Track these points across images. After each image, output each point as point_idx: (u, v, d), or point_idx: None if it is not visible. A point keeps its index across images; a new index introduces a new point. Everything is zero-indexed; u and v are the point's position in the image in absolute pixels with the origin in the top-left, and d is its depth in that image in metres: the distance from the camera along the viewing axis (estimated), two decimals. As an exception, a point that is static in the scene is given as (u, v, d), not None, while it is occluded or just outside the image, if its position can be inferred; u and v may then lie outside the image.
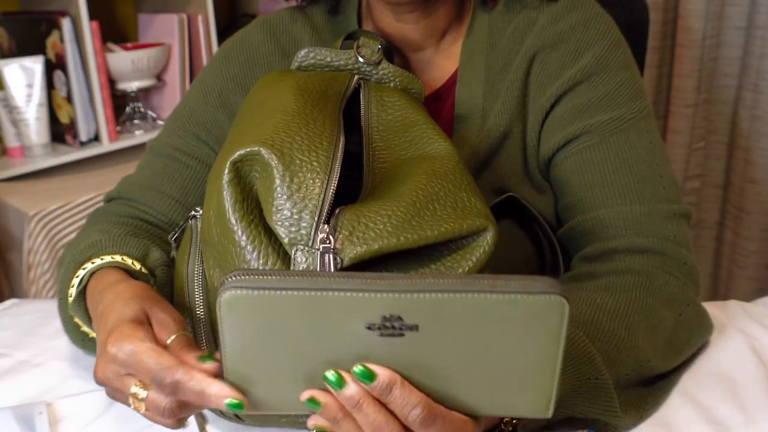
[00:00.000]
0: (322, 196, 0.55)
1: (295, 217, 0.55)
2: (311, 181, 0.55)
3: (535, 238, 0.80)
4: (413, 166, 0.61)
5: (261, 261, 0.56)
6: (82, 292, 0.65)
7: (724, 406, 0.66)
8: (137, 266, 0.68)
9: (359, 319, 0.45)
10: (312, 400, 0.47)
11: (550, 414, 0.48)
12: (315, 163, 0.56)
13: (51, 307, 0.88)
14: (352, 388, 0.46)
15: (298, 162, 0.56)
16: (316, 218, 0.55)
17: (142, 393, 0.53)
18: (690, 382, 0.70)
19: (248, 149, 0.57)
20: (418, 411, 0.46)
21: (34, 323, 0.85)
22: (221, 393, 0.48)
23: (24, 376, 0.75)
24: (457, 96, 0.79)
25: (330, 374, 0.46)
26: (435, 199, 0.57)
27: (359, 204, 0.57)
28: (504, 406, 0.49)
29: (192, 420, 0.68)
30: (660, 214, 0.74)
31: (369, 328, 0.45)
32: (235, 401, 0.47)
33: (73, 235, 1.44)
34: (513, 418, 0.57)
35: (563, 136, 0.76)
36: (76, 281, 0.67)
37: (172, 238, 0.71)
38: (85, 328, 0.69)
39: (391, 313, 0.45)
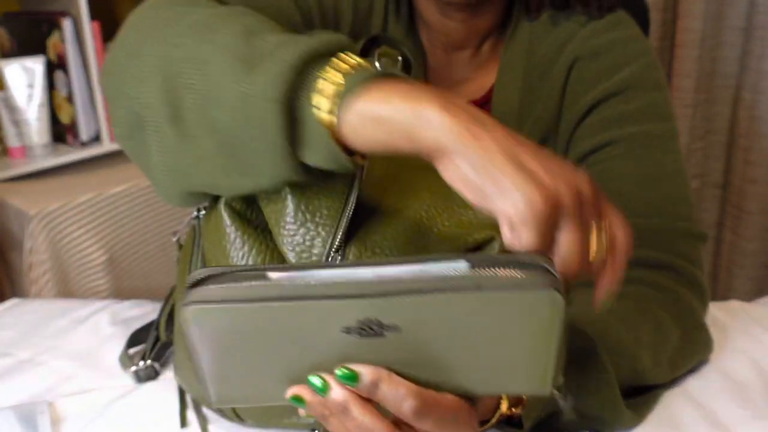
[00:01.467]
0: (335, 224, 0.55)
1: (307, 243, 0.55)
2: (325, 210, 0.55)
3: None
4: (415, 178, 0.61)
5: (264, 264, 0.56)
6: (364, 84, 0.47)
7: (724, 406, 0.66)
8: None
9: (334, 324, 0.43)
10: (296, 398, 0.45)
11: (548, 392, 0.46)
12: (331, 190, 0.56)
13: (53, 306, 0.88)
14: (337, 393, 0.44)
15: (314, 188, 0.56)
16: (327, 247, 0.55)
17: None
18: (690, 382, 0.70)
19: None
20: (410, 402, 0.44)
21: (36, 323, 0.85)
22: None
23: (26, 375, 0.75)
24: (493, 102, 0.79)
25: (315, 379, 0.44)
26: (439, 221, 0.57)
27: (365, 228, 0.56)
28: (499, 385, 0.47)
29: (193, 419, 0.68)
30: (678, 232, 0.74)
31: (346, 332, 0.43)
32: None
33: (73, 235, 1.44)
34: (512, 407, 0.57)
35: (591, 144, 0.76)
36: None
37: (175, 239, 0.71)
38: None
39: (367, 317, 0.42)
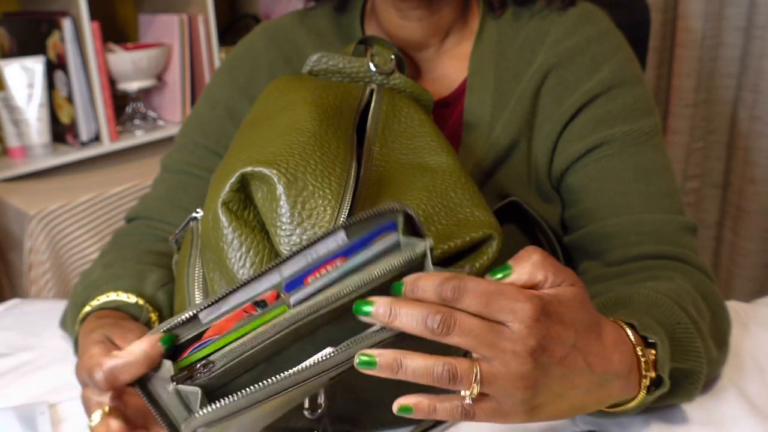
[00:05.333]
0: (332, 224, 0.55)
1: (304, 243, 0.55)
2: (322, 209, 0.56)
3: (537, 244, 0.80)
4: (413, 176, 0.61)
5: (264, 266, 0.56)
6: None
7: (724, 405, 0.66)
8: (132, 299, 0.69)
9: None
10: (404, 408, 0.47)
11: None
12: (327, 190, 0.56)
13: (54, 307, 0.88)
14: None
15: (311, 188, 0.56)
16: None
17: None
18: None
19: (261, 168, 0.57)
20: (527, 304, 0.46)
21: (37, 324, 0.85)
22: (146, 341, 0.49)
23: (26, 375, 0.75)
24: (466, 104, 0.80)
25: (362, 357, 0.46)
26: (436, 219, 0.58)
27: None
28: None
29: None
30: (679, 226, 0.75)
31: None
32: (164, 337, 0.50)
33: (73, 235, 1.45)
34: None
35: (583, 145, 0.77)
36: (76, 328, 0.70)
37: (173, 239, 0.71)
38: None
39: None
